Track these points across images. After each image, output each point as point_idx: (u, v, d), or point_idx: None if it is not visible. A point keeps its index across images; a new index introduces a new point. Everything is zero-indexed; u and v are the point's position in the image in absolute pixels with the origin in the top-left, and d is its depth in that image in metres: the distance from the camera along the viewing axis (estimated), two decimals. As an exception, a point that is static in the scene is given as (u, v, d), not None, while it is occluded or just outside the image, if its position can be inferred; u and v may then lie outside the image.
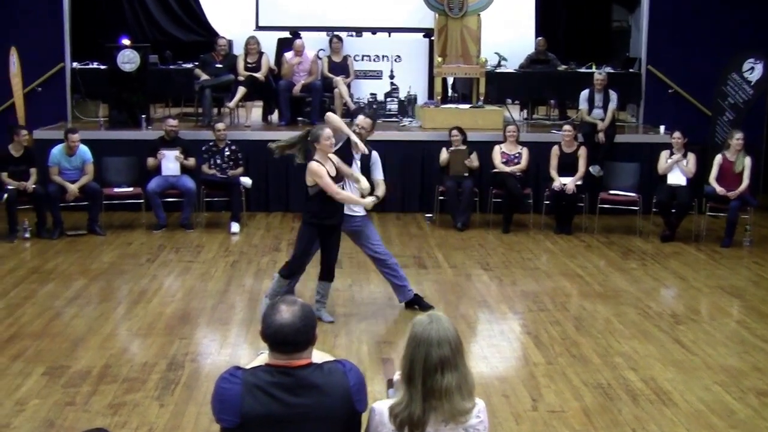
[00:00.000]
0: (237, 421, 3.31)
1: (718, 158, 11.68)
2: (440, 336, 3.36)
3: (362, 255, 10.45)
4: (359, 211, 8.35)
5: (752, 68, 13.10)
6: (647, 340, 7.77)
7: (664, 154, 11.86)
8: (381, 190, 8.43)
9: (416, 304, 8.50)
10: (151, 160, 11.82)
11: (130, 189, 12.05)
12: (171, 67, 14.89)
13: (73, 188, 11.28)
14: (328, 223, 7.97)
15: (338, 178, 7.85)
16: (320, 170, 7.66)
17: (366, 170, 8.39)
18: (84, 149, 11.51)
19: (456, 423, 3.40)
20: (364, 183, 8.08)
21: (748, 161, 11.46)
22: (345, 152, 8.15)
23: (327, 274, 8.22)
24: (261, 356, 3.56)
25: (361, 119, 8.40)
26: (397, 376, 3.54)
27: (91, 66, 14.64)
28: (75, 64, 14.55)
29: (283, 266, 8.22)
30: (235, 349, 7.48)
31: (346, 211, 8.18)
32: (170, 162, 11.76)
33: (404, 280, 8.60)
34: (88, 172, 11.48)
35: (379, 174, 8.54)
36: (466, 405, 3.40)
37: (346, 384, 3.41)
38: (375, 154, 8.56)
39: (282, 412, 3.31)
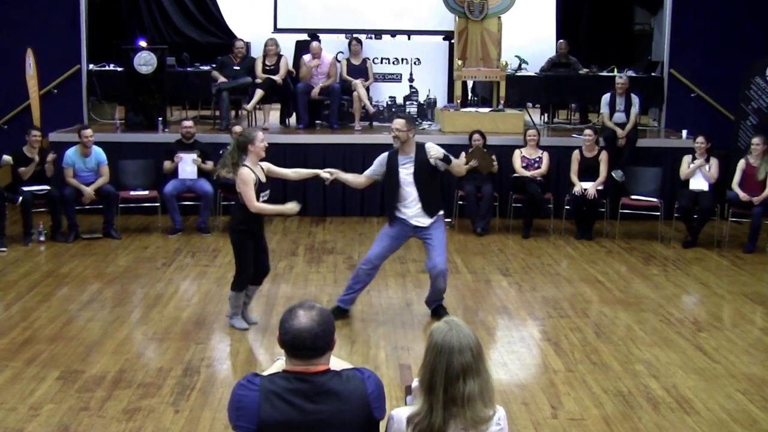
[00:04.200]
0: (254, 429, 3.28)
1: (742, 163, 11.54)
2: (462, 343, 3.31)
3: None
4: (423, 223, 8.15)
5: (776, 72, 12.96)
6: (669, 348, 7.66)
7: (687, 158, 11.73)
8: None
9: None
10: (167, 164, 11.76)
11: (147, 192, 11.99)
12: (188, 69, 14.88)
13: (89, 191, 11.24)
14: (255, 229, 7.94)
15: (265, 186, 7.83)
16: (248, 177, 7.59)
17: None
18: (99, 151, 11.47)
19: (476, 431, 3.35)
20: (325, 174, 8.29)
21: (772, 167, 11.31)
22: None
23: (258, 279, 8.19)
24: (278, 362, 3.54)
25: (395, 122, 8.20)
26: (415, 383, 3.48)
27: (107, 68, 14.66)
28: (91, 66, 14.55)
29: (232, 283, 8.06)
30: (251, 354, 7.41)
31: (414, 222, 8.11)
32: (187, 165, 11.69)
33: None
34: (103, 174, 11.44)
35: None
36: (488, 412, 3.36)
37: (364, 391, 3.37)
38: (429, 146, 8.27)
39: (299, 419, 3.29)
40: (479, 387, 3.31)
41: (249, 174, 7.61)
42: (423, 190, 8.05)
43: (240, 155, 7.70)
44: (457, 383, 3.28)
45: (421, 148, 8.11)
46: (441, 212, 8.25)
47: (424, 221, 8.11)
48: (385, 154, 8.23)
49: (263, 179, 7.78)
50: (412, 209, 8.09)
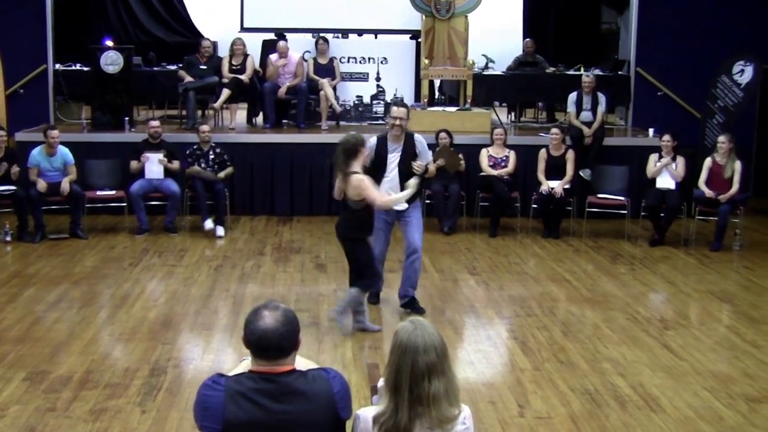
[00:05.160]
0: (220, 429, 3.27)
1: (708, 162, 11.61)
2: (426, 343, 3.31)
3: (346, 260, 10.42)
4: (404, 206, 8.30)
5: (742, 71, 13.07)
6: (636, 346, 7.70)
7: (653, 157, 11.80)
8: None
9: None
10: (134, 163, 11.68)
11: (113, 192, 11.91)
12: (155, 68, 14.80)
13: (64, 184, 11.15)
14: (367, 234, 7.98)
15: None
16: (365, 182, 7.60)
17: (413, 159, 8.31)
18: (65, 151, 11.38)
19: (442, 430, 3.35)
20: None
21: (738, 165, 11.38)
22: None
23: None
24: (244, 362, 3.53)
25: (394, 110, 8.29)
26: (381, 383, 3.47)
27: (74, 67, 14.54)
28: (58, 66, 14.45)
29: (359, 282, 8.07)
30: (218, 354, 7.38)
31: (397, 207, 8.24)
32: (154, 165, 11.62)
33: None
34: (71, 173, 11.35)
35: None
36: (453, 411, 3.36)
37: (329, 391, 3.37)
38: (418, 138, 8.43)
39: (265, 419, 3.27)
40: (444, 386, 3.31)
41: (362, 178, 7.59)
42: (407, 178, 8.10)
43: (347, 160, 7.61)
44: (422, 383, 3.28)
45: (410, 137, 8.25)
46: (418, 199, 8.46)
47: (404, 205, 8.23)
48: (372, 141, 8.23)
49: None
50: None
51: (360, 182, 7.54)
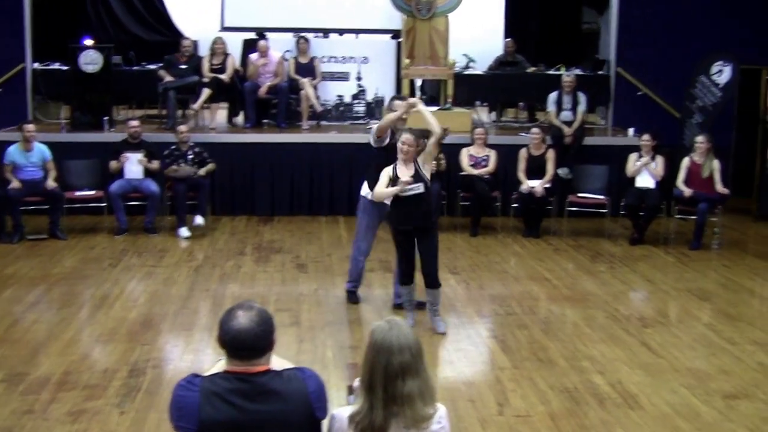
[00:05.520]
0: (195, 429, 3.26)
1: (686, 161, 11.67)
2: (401, 342, 3.31)
3: (328, 260, 10.45)
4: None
5: (721, 71, 13.13)
6: (615, 344, 7.73)
7: (633, 156, 11.84)
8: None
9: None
10: (113, 163, 11.63)
11: (93, 192, 11.87)
12: (135, 68, 14.73)
13: (50, 182, 11.17)
14: (401, 228, 7.89)
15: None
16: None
17: None
18: (42, 147, 11.34)
19: (417, 429, 3.35)
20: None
21: (716, 165, 11.44)
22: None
23: (427, 281, 8.04)
24: (220, 363, 3.52)
25: (397, 104, 8.38)
26: (356, 382, 3.47)
27: (52, 67, 14.45)
28: (36, 65, 14.35)
29: (437, 280, 8.08)
30: (197, 355, 7.35)
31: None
32: (133, 165, 11.57)
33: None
34: (50, 169, 11.31)
35: None
36: (428, 411, 3.36)
37: (305, 391, 3.36)
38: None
39: (241, 419, 3.27)
40: (418, 387, 3.31)
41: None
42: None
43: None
44: (396, 382, 3.28)
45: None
46: None
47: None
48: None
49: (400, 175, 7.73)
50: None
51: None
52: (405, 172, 7.64)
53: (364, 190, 8.52)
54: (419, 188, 7.62)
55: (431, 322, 8.05)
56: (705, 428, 6.04)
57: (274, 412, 3.28)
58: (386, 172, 7.71)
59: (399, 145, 7.68)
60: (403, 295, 8.15)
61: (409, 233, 7.85)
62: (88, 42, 14.30)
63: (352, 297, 8.83)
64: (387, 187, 7.66)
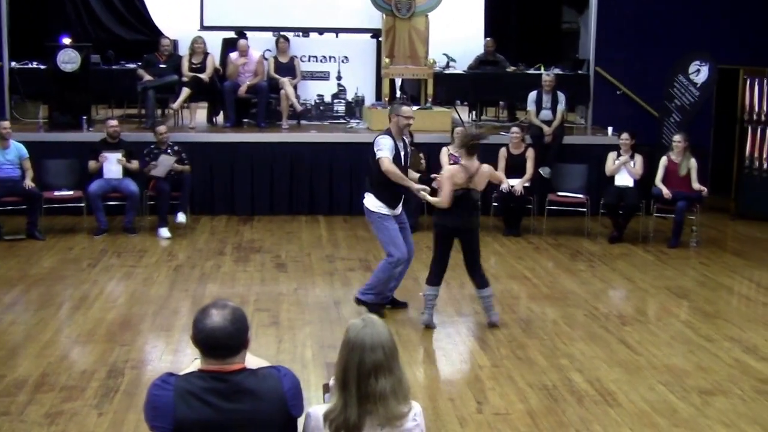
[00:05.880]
0: (170, 428, 3.24)
1: (664, 160, 11.72)
2: (374, 341, 3.32)
3: (308, 259, 10.44)
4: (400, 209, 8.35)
5: (698, 70, 13.21)
6: (593, 342, 7.76)
7: (612, 155, 11.89)
8: None
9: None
10: (92, 163, 11.57)
11: (71, 192, 11.80)
12: (113, 67, 14.67)
13: (27, 182, 11.10)
14: (450, 225, 7.95)
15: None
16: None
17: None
18: (19, 145, 11.27)
19: (392, 427, 3.36)
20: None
21: (693, 163, 11.50)
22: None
23: (476, 280, 8.17)
24: (195, 362, 3.51)
25: (406, 110, 8.28)
26: (332, 381, 3.47)
27: (30, 66, 14.36)
28: (13, 64, 14.24)
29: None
30: (176, 355, 7.32)
31: (398, 210, 8.23)
32: (112, 165, 11.51)
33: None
34: (27, 167, 11.24)
35: None
36: (402, 409, 3.36)
37: (280, 389, 3.35)
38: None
39: (216, 418, 3.25)
40: (391, 385, 3.32)
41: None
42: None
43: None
44: (369, 380, 3.29)
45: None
46: None
47: (400, 208, 8.33)
48: (388, 139, 8.13)
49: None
50: (401, 199, 8.29)
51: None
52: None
53: (374, 204, 8.20)
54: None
55: (487, 314, 8.18)
56: (682, 424, 6.08)
57: (250, 411, 3.27)
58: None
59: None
60: (429, 296, 8.17)
61: (456, 233, 8.00)
62: (66, 40, 14.22)
63: (376, 307, 8.26)
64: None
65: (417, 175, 8.59)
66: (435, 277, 8.11)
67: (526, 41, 17.49)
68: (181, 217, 11.58)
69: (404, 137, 8.40)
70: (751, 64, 14.33)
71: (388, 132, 8.19)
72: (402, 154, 8.22)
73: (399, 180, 8.04)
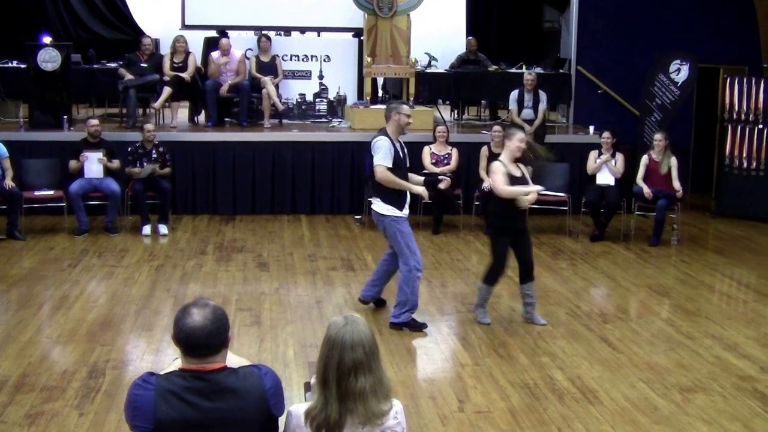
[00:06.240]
0: (151, 428, 3.25)
1: (645, 158, 11.77)
2: (354, 339, 3.32)
3: (290, 258, 10.43)
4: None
5: (679, 69, 13.27)
6: (575, 340, 7.79)
7: (593, 154, 11.93)
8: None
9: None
10: (73, 163, 11.52)
11: (52, 192, 11.74)
12: (94, 66, 14.61)
13: (7, 182, 11.02)
14: (510, 225, 8.00)
15: (519, 180, 7.91)
16: (497, 168, 7.84)
17: None
18: None
19: (373, 425, 3.37)
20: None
21: (674, 161, 11.55)
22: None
23: (525, 275, 8.18)
24: (176, 361, 3.51)
25: (407, 108, 8.12)
26: (313, 379, 3.47)
27: (10, 65, 14.32)
28: (-7, 63, 14.20)
29: (485, 274, 8.27)
30: (158, 355, 7.30)
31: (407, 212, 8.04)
32: (93, 164, 11.47)
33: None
34: (6, 167, 11.17)
35: None
36: (382, 408, 3.37)
37: (261, 388, 3.35)
38: None
39: (197, 417, 3.26)
40: (370, 384, 3.32)
41: (499, 166, 7.86)
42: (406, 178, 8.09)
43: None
44: (349, 379, 3.29)
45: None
46: None
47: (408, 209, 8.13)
48: (385, 141, 7.92)
49: (516, 174, 7.91)
50: (407, 199, 8.09)
51: (494, 167, 7.97)
52: (516, 171, 7.93)
53: (384, 208, 8.00)
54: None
55: (531, 317, 8.20)
56: (662, 422, 6.11)
57: (230, 410, 3.27)
58: (500, 169, 7.85)
59: (517, 143, 7.85)
60: (485, 296, 8.28)
61: (512, 231, 8.05)
62: (47, 39, 14.17)
63: (417, 324, 8.10)
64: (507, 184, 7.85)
65: (421, 178, 8.44)
66: (497, 278, 8.31)
67: (507, 40, 17.51)
68: (163, 230, 11.54)
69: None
70: (731, 63, 14.44)
71: (384, 132, 8.00)
72: (402, 154, 8.04)
73: (397, 186, 7.87)
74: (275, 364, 6.64)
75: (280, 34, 15.17)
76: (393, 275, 8.37)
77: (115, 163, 11.60)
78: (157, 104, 13.61)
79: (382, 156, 7.84)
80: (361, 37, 14.63)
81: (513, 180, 7.83)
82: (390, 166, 7.83)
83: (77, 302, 8.68)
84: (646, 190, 11.46)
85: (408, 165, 8.22)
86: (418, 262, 7.98)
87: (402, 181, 7.90)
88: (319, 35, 15.72)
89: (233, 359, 3.47)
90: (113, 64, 14.40)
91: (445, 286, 9.50)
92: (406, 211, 8.03)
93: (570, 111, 15.19)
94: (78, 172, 11.52)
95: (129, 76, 13.46)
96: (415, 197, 8.69)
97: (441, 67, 15.35)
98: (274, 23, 15.11)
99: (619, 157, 11.80)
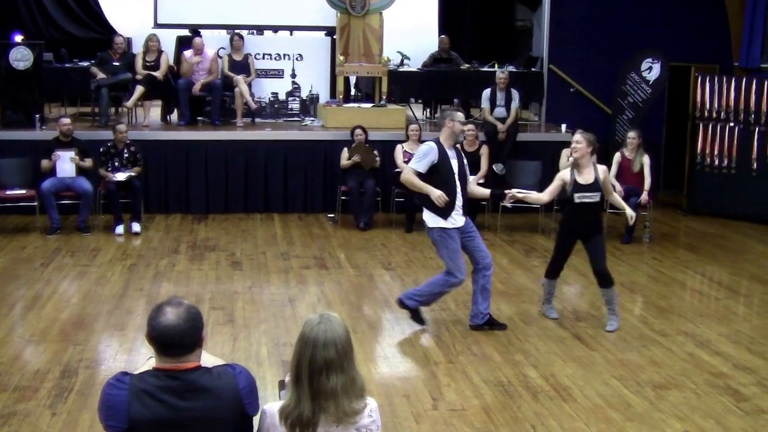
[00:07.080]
0: (124, 427, 3.24)
1: (617, 156, 11.85)
2: (327, 338, 3.32)
3: (263, 257, 10.42)
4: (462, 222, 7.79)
5: (650, 68, 13.38)
6: (548, 337, 7.82)
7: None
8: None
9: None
10: (45, 162, 11.44)
11: (24, 191, 11.68)
12: (67, 65, 14.54)
13: None
14: (577, 230, 8.12)
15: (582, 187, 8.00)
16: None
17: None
18: None
19: (346, 424, 3.37)
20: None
21: (646, 159, 11.63)
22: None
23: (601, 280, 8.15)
24: (150, 361, 3.50)
25: (461, 115, 7.94)
26: (288, 377, 3.48)
27: (-20, 64, 14.17)
28: (-37, 62, 14.04)
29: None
30: (131, 354, 7.27)
31: (460, 223, 7.72)
32: (65, 163, 11.40)
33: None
34: None
35: None
36: (354, 406, 3.37)
37: (235, 387, 3.35)
38: None
39: (171, 416, 3.25)
40: (342, 383, 3.32)
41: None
42: (464, 188, 7.80)
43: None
44: (321, 377, 3.30)
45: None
46: None
47: (463, 219, 7.79)
48: (430, 146, 7.71)
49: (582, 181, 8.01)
50: (460, 210, 7.73)
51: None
52: (584, 179, 7.99)
53: (431, 220, 7.79)
54: (596, 197, 8.00)
55: (607, 320, 8.18)
56: (636, 418, 6.15)
57: (205, 409, 3.27)
58: (562, 177, 8.05)
59: (573, 144, 8.10)
60: (547, 289, 8.46)
61: (579, 235, 8.13)
62: (19, 38, 14.09)
63: (420, 318, 8.08)
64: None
65: (485, 191, 8.43)
66: (555, 272, 8.47)
67: (480, 39, 17.57)
68: (136, 227, 11.50)
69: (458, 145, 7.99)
70: (703, 62, 14.54)
71: (436, 139, 7.78)
72: (454, 162, 7.72)
73: (417, 188, 7.70)
74: (249, 363, 6.63)
75: (252, 33, 15.15)
76: (489, 283, 8.01)
77: (88, 162, 11.54)
78: (130, 103, 13.53)
79: (417, 159, 7.72)
80: (334, 36, 14.62)
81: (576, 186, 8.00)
82: (422, 171, 7.63)
83: (50, 302, 8.63)
84: (618, 188, 11.52)
85: (466, 174, 7.90)
86: (463, 276, 7.77)
87: (423, 183, 7.63)
88: (291, 34, 15.71)
89: (207, 358, 3.47)
90: (85, 63, 14.30)
91: (418, 283, 9.44)
92: (452, 221, 7.69)
93: (542, 109, 15.26)
94: (50, 171, 11.45)
95: (101, 75, 13.38)
96: (471, 204, 8.46)
97: (413, 65, 15.36)
98: (247, 22, 15.06)
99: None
